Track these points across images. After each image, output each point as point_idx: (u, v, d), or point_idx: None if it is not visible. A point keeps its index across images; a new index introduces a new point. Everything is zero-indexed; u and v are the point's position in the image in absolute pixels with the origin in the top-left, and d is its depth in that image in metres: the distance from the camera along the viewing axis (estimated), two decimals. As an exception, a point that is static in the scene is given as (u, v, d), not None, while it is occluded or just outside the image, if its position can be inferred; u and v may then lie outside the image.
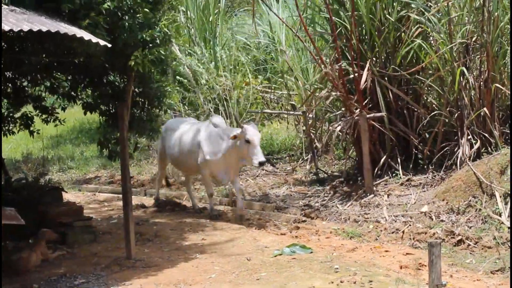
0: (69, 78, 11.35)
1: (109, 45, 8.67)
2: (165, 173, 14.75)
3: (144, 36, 9.48)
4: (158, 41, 9.72)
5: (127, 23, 9.45)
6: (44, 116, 12.19)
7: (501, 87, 12.74)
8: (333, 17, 13.66)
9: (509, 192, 10.83)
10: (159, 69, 10.27)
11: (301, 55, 18.27)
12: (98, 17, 9.05)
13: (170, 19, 10.34)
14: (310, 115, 16.32)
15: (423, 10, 13.44)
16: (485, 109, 12.57)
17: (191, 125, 13.45)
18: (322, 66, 14.12)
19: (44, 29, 7.91)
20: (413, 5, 13.63)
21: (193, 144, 12.88)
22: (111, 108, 11.12)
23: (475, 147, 12.51)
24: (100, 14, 9.11)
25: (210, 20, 20.93)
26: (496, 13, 12.66)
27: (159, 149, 14.25)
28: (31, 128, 12.33)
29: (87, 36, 8.35)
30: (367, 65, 13.47)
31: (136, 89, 10.81)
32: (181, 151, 13.14)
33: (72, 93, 11.46)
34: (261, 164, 12.13)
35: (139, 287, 8.90)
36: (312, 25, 15.37)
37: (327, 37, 15.09)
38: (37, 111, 12.16)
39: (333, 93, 14.44)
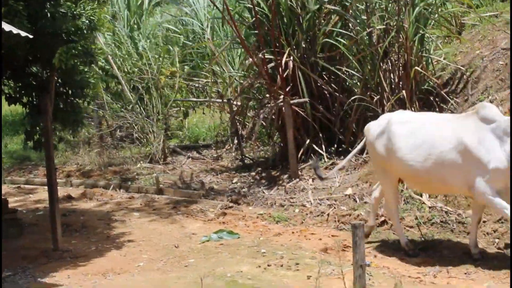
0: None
1: (31, 36, 8.59)
2: (397, 193, 10.24)
3: (68, 26, 9.42)
4: (84, 30, 9.66)
5: (49, 12, 9.37)
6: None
7: (420, 69, 13.04)
8: (254, 6, 13.76)
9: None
10: (82, 59, 10.21)
11: (225, 42, 18.34)
12: (17, 4, 8.93)
13: (95, 7, 10.25)
14: (235, 103, 16.42)
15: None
16: (403, 92, 12.86)
17: (440, 120, 9.40)
18: (248, 54, 14.27)
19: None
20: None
21: (455, 151, 8.77)
22: (34, 99, 11.01)
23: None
24: (19, 1, 8.99)
25: (135, 10, 20.83)
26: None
27: (374, 153, 9.84)
28: None
29: (7, 27, 8.24)
30: (287, 52, 13.66)
31: (59, 80, 10.72)
32: (428, 160, 8.95)
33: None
34: None
35: (66, 278, 8.86)
36: (235, 14, 15.46)
37: (248, 25, 15.20)
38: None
39: (257, 81, 14.60)
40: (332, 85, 14.13)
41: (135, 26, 20.06)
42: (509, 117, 8.63)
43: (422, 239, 9.89)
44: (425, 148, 8.90)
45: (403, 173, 9.31)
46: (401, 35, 13.13)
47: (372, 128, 9.72)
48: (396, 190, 9.85)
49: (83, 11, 9.78)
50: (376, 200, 10.15)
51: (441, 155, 8.79)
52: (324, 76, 14.19)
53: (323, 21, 14.00)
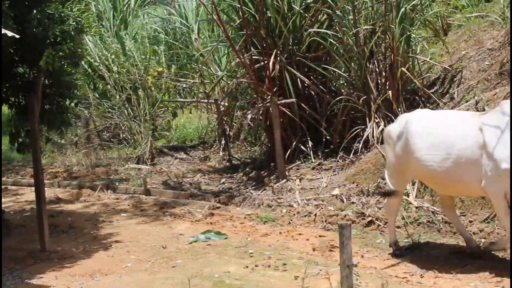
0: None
1: (17, 36, 8.57)
2: (402, 194, 9.80)
3: (55, 30, 9.40)
4: (71, 32, 9.64)
5: (35, 17, 9.35)
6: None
7: (405, 71, 13.09)
8: (242, 6, 13.78)
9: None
10: (69, 60, 10.20)
11: (212, 43, 18.40)
12: (3, 4, 8.90)
13: (82, 9, 10.24)
14: (223, 103, 16.45)
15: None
16: (390, 92, 12.92)
17: (459, 118, 8.79)
18: (235, 54, 14.31)
19: None
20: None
21: (473, 147, 8.25)
22: (21, 100, 10.99)
23: (379, 129, 12.80)
24: (4, 1, 8.96)
25: (122, 9, 20.85)
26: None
27: (393, 155, 9.27)
28: None
29: (-8, 27, 8.25)
30: (274, 53, 13.71)
31: (46, 81, 10.70)
32: (447, 160, 8.45)
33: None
34: None
35: (54, 279, 8.86)
36: (222, 14, 15.50)
37: (235, 26, 15.25)
38: None
39: (244, 81, 14.64)
40: (319, 85, 14.18)
41: (122, 26, 20.07)
42: None
43: (409, 239, 9.92)
44: (443, 147, 8.41)
45: (421, 173, 8.93)
46: (387, 36, 13.20)
47: (393, 130, 9.24)
48: (403, 191, 9.62)
49: (70, 13, 9.76)
50: (447, 212, 9.60)
51: (459, 153, 8.29)
52: (311, 76, 14.26)
53: (309, 21, 14.05)
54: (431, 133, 8.62)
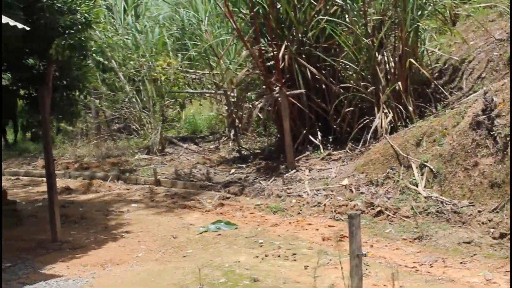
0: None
1: (28, 28, 8.60)
2: None
3: (65, 21, 9.44)
4: (79, 26, 9.69)
5: (45, 5, 9.38)
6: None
7: (414, 62, 13.09)
8: (251, -3, 13.84)
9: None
10: (78, 53, 10.24)
11: (222, 34, 18.44)
12: None
13: (90, 5, 10.28)
14: (232, 94, 16.49)
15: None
16: (399, 83, 12.92)
17: None
18: (244, 45, 14.34)
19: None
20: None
21: None
22: (31, 92, 11.04)
23: (388, 119, 12.83)
24: None
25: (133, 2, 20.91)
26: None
27: None
28: None
29: (4, 19, 8.26)
30: (284, 44, 13.74)
31: (56, 73, 10.74)
32: None
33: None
34: None
35: (66, 269, 8.91)
36: (232, 6, 15.52)
37: (245, 18, 15.26)
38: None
39: (254, 72, 14.68)
40: (328, 76, 14.21)
41: (133, 17, 20.09)
42: None
43: (418, 229, 9.93)
44: None
45: None
46: (396, 26, 13.20)
47: None
48: None
49: (78, 8, 9.80)
50: None
51: None
52: (320, 67, 14.27)
53: (320, 11, 14.04)
54: None
